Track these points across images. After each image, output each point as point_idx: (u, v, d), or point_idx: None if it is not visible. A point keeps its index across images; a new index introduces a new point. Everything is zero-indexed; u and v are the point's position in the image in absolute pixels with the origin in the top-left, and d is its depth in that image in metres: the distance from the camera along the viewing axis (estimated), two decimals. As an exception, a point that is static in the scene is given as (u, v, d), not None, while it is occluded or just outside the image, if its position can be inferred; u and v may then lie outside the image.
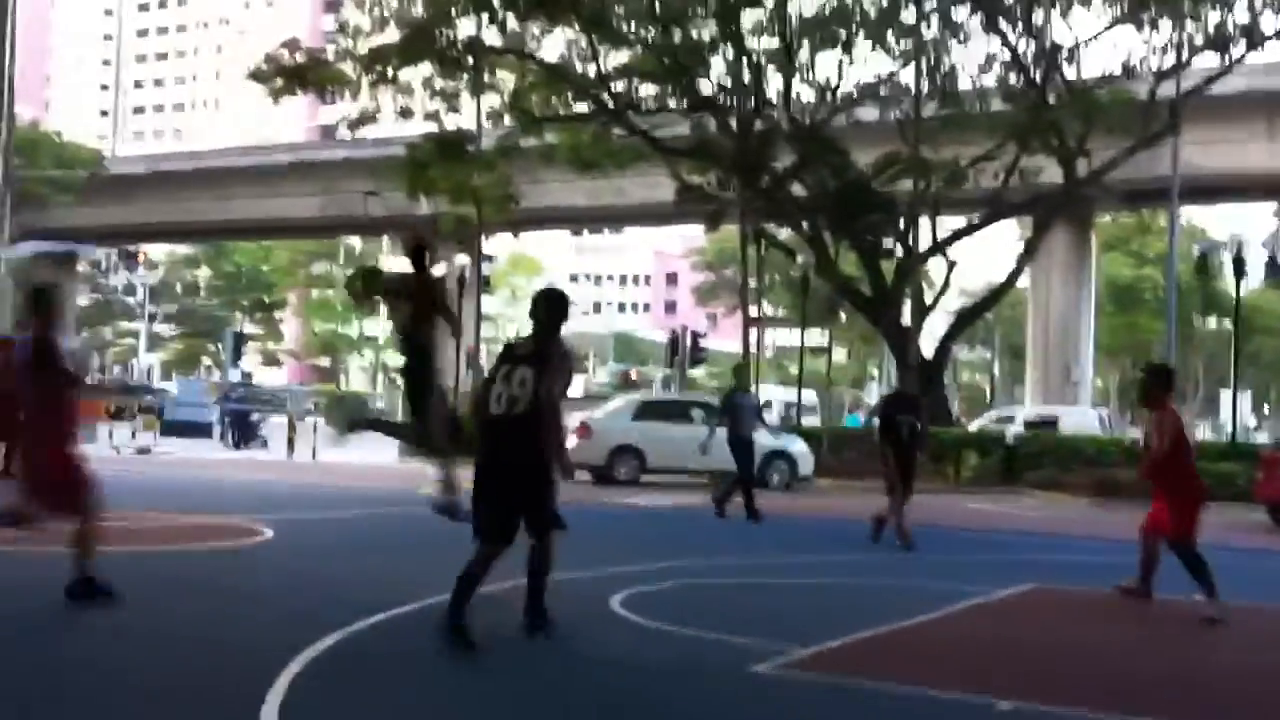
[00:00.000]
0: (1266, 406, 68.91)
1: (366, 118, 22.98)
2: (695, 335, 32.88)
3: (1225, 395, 59.88)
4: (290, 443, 29.60)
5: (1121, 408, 64.40)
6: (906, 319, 25.79)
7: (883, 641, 7.17)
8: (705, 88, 23.84)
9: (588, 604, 7.79)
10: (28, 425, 7.19)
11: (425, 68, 22.42)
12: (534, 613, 6.70)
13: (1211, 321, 62.59)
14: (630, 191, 30.22)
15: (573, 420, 22.84)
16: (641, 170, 26.23)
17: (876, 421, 12.63)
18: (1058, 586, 8.29)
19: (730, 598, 8.72)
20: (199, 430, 36.24)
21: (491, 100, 23.24)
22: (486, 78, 22.85)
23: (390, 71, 22.67)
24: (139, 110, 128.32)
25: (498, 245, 64.95)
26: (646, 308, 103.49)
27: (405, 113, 23.08)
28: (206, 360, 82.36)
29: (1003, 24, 22.42)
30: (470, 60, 22.53)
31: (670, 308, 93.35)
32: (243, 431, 34.46)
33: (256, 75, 23.05)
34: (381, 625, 7.14)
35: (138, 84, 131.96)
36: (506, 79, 23.14)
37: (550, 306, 6.79)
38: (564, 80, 22.88)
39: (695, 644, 6.94)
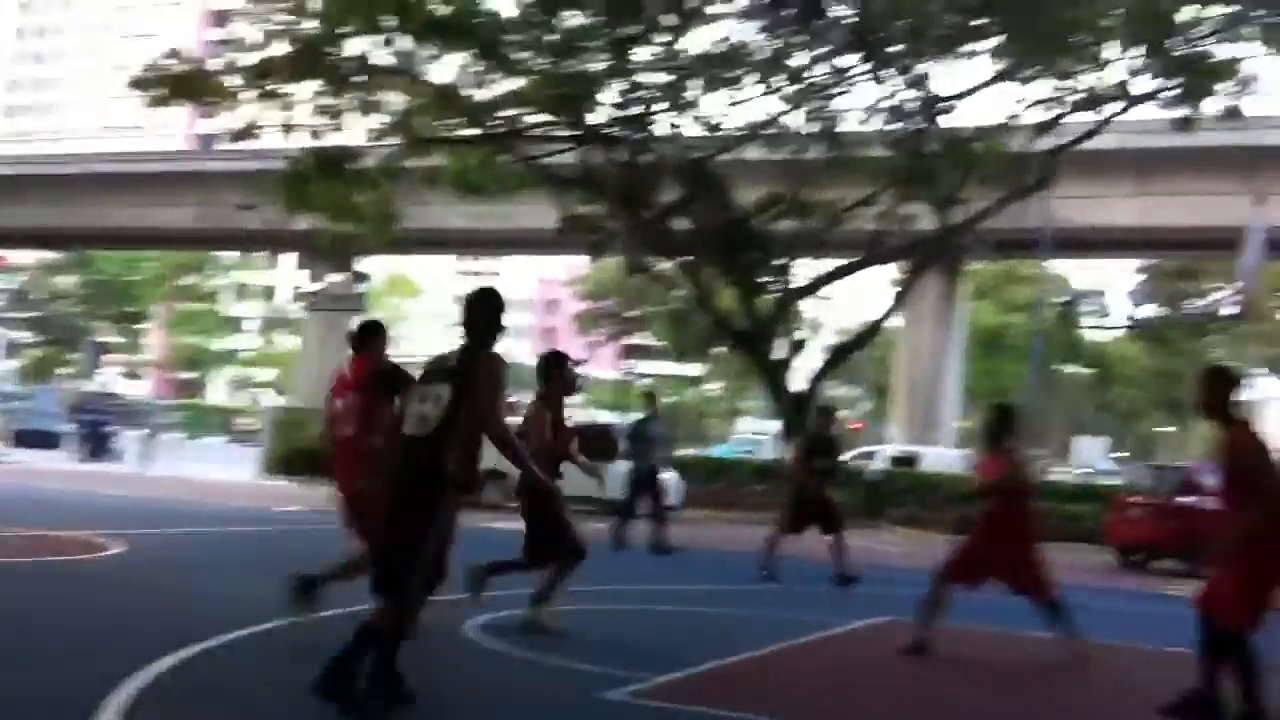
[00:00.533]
0: (1121, 451, 71.28)
1: (249, 131, 22.53)
2: (575, 362, 32.79)
3: (1082, 439, 62.01)
4: (144, 456, 28.93)
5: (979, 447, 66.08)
6: (780, 353, 26.17)
7: (732, 671, 7.28)
8: (594, 119, 23.92)
9: (444, 629, 7.74)
10: None
11: (311, 84, 22.08)
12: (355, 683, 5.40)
13: (1072, 368, 64.57)
14: (515, 217, 30.16)
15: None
16: (527, 197, 26.21)
17: (791, 456, 12.94)
18: (910, 620, 8.48)
19: (589, 625, 8.75)
20: (51, 441, 35.18)
21: (378, 120, 22.99)
22: (374, 97, 22.61)
23: (276, 86, 22.28)
24: (14, 111, 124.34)
25: (376, 266, 64.29)
26: (526, 333, 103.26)
27: (289, 128, 22.68)
28: (64, 369, 79.74)
29: (887, 73, 22.95)
30: (359, 79, 22.27)
31: (548, 334, 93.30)
32: (96, 444, 33.56)
33: (138, 83, 22.48)
34: (228, 645, 7.00)
35: (14, 85, 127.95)
36: (394, 99, 22.92)
37: (480, 309, 5.85)
38: (453, 104, 22.76)
39: (549, 671, 6.93)
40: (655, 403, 15.54)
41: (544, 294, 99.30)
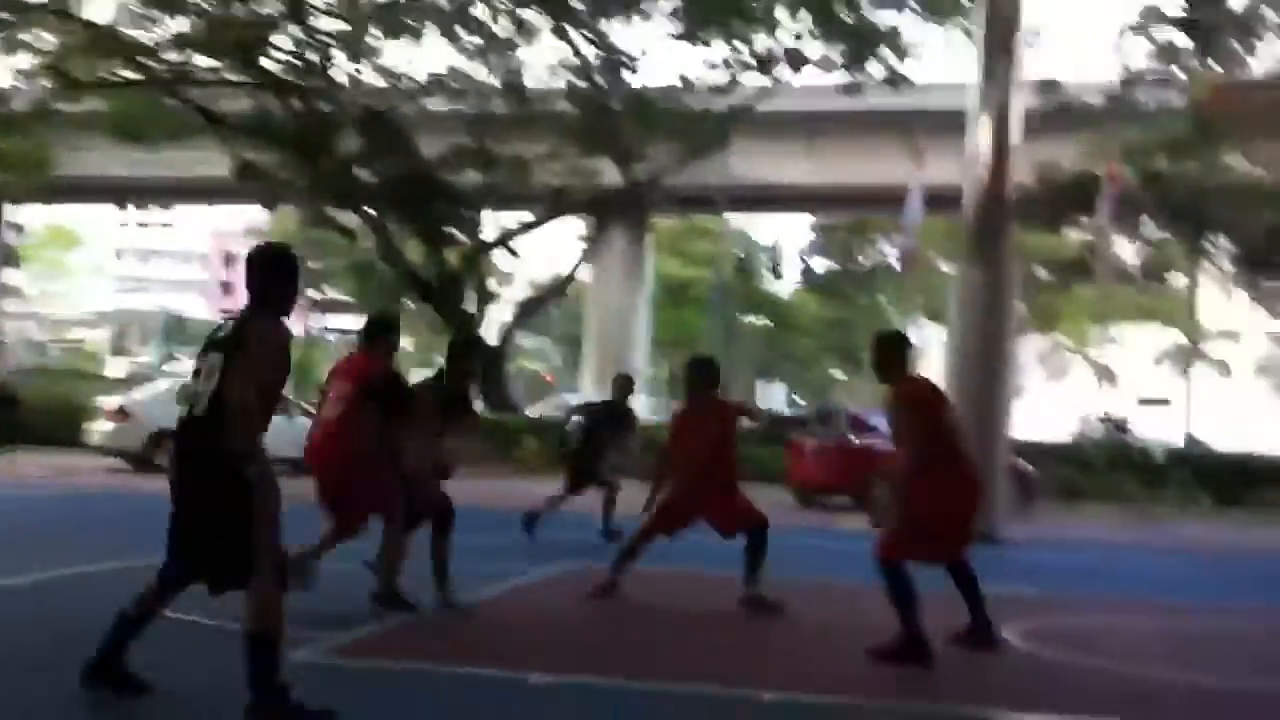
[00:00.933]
0: (799, 397, 74.95)
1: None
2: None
3: (763, 386, 64.87)
4: None
5: (672, 396, 68.14)
6: (470, 306, 26.04)
7: (425, 625, 7.19)
8: (268, 65, 22.90)
9: (118, 601, 7.32)
10: None
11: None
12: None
13: (752, 319, 67.20)
14: (185, 166, 28.57)
15: (110, 403, 21.42)
16: (196, 145, 24.86)
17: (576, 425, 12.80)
18: (599, 565, 8.62)
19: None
20: None
21: (26, 59, 21.22)
22: (23, 35, 20.82)
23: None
24: None
25: (32, 216, 59.66)
26: (200, 288, 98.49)
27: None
28: None
29: (570, 29, 23.02)
30: (4, 15, 20.47)
31: (227, 289, 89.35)
32: None
33: None
34: None
35: None
36: (45, 38, 21.19)
37: (259, 270, 5.12)
38: (112, 45, 21.25)
39: (231, 636, 6.69)
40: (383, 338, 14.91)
41: (219, 246, 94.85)
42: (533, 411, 31.07)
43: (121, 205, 56.52)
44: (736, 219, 51.74)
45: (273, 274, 5.15)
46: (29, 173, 22.73)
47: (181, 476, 5.02)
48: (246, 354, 4.88)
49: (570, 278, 28.75)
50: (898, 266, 38.97)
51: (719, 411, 8.65)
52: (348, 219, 28.71)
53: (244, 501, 4.81)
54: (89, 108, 22.73)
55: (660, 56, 23.77)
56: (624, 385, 13.38)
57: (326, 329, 58.08)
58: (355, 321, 56.23)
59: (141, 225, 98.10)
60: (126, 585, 5.34)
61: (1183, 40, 25.72)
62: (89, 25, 21.17)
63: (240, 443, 4.81)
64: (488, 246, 26.37)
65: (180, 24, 21.78)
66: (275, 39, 22.54)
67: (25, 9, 20.59)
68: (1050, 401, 52.66)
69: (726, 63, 23.31)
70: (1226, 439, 28.87)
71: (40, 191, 24.68)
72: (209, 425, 4.86)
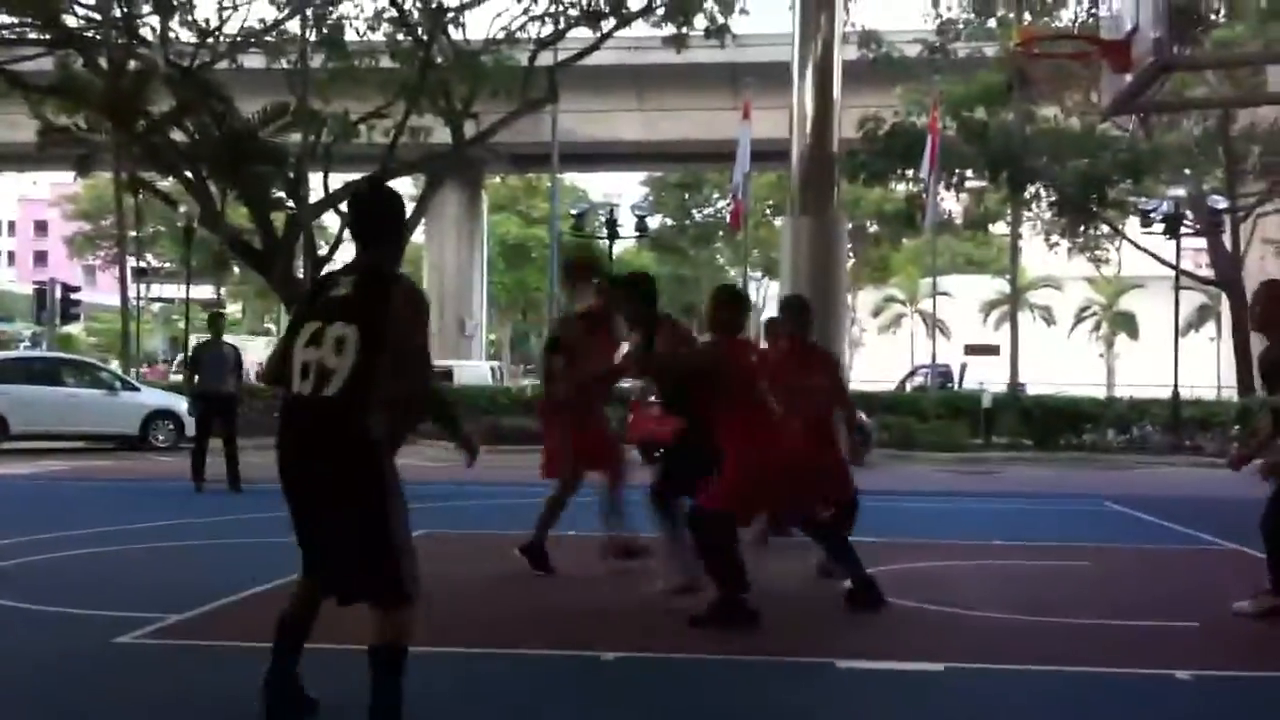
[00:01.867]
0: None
1: None
2: (67, 289, 30.32)
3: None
4: None
5: (514, 359, 67.72)
6: (300, 272, 25.27)
7: (256, 600, 6.92)
8: (71, 21, 21.74)
9: None
10: None
11: None
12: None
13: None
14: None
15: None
16: (1, 109, 23.60)
17: None
18: (450, 531, 8.38)
19: (93, 569, 8.11)
20: None
21: None
22: None
23: None
24: None
25: None
26: (11, 259, 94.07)
27: None
28: None
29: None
30: None
31: (40, 259, 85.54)
32: None
33: None
34: None
35: None
36: None
37: (375, 211, 4.34)
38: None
39: (54, 620, 6.43)
40: (221, 325, 14.22)
41: (28, 214, 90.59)
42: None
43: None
44: (570, 177, 51.45)
45: (390, 216, 4.33)
46: None
47: (306, 471, 4.13)
48: (402, 321, 4.09)
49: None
50: (728, 222, 39.30)
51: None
52: (166, 182, 27.61)
53: (381, 499, 4.08)
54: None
55: (484, 9, 23.34)
56: None
57: (148, 299, 55.90)
58: (178, 290, 54.35)
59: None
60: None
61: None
62: None
63: (383, 429, 4.07)
64: (314, 209, 25.58)
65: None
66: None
67: None
68: (884, 353, 54.03)
69: (551, 15, 22.98)
70: (1050, 385, 29.93)
71: None
72: (345, 408, 4.02)
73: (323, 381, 4.04)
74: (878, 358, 52.62)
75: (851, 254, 41.17)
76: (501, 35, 23.81)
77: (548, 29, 23.47)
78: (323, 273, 25.84)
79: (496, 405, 25.10)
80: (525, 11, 23.19)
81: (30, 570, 7.99)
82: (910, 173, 26.88)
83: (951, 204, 31.26)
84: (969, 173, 27.15)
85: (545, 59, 24.18)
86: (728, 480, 6.40)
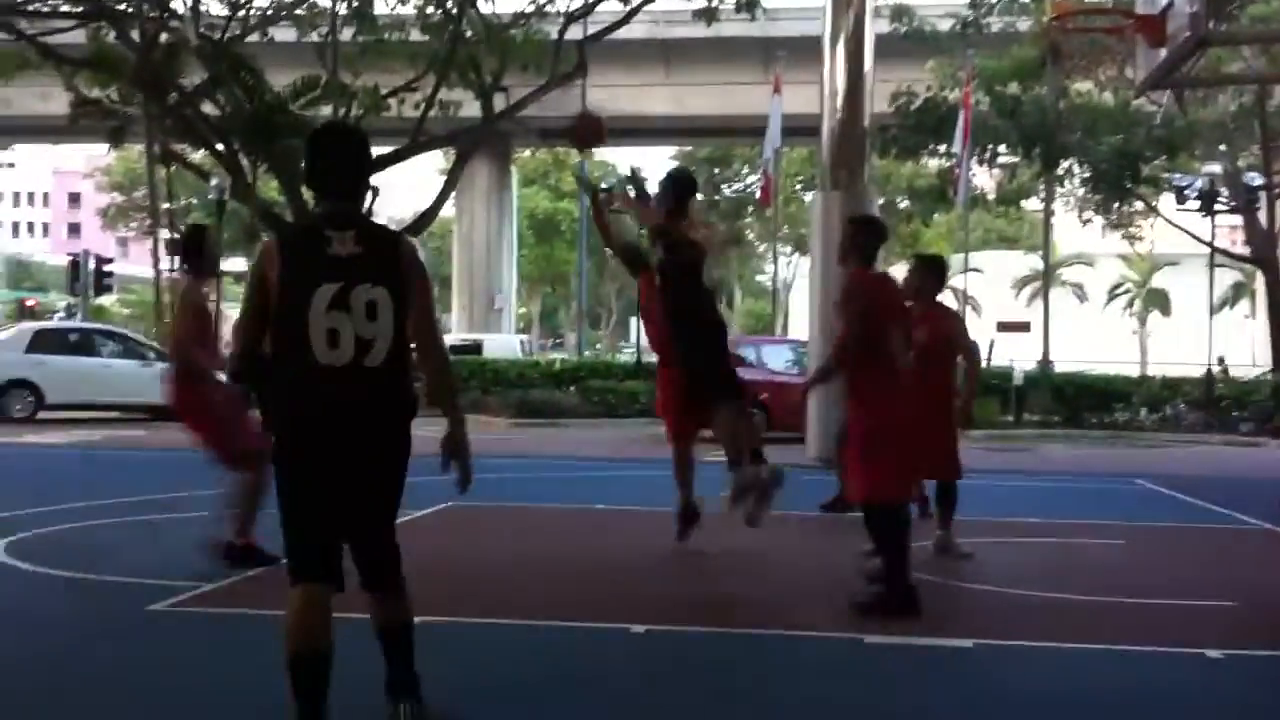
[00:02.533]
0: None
1: None
2: (100, 260, 30.55)
3: (634, 320, 64.95)
4: None
5: (542, 333, 67.86)
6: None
7: (283, 571, 6.96)
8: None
9: None
10: None
11: None
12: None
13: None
14: (18, 103, 27.26)
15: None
16: (31, 80, 23.68)
17: None
18: (474, 504, 8.40)
19: (129, 537, 8.21)
20: None
21: None
22: None
23: None
24: None
25: None
26: (45, 230, 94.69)
27: None
28: None
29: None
30: None
31: (74, 230, 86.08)
32: None
33: None
34: None
35: None
36: None
37: (360, 157, 4.02)
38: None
39: (88, 589, 6.52)
40: None
41: (61, 186, 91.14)
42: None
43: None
44: (599, 151, 51.42)
45: (368, 165, 4.05)
46: None
47: (349, 447, 3.82)
48: (413, 281, 3.88)
49: (432, 214, 28.14)
50: (757, 198, 39.17)
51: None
52: (199, 155, 27.69)
53: (404, 476, 3.98)
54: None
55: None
56: None
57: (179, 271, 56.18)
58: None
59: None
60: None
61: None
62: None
63: (414, 395, 3.91)
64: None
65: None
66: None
67: None
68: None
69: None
70: (1082, 362, 29.73)
71: None
72: (392, 378, 3.81)
73: (364, 351, 3.74)
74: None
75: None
76: (531, 9, 23.72)
77: (577, 3, 23.37)
78: (294, 224, 25.96)
79: (525, 379, 25.18)
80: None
81: (66, 538, 8.08)
82: (942, 148, 26.69)
83: (983, 179, 31.02)
84: (1001, 148, 26.92)
85: (575, 33, 24.11)
86: (884, 464, 6.03)
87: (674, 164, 57.76)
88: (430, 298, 4.08)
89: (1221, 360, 29.87)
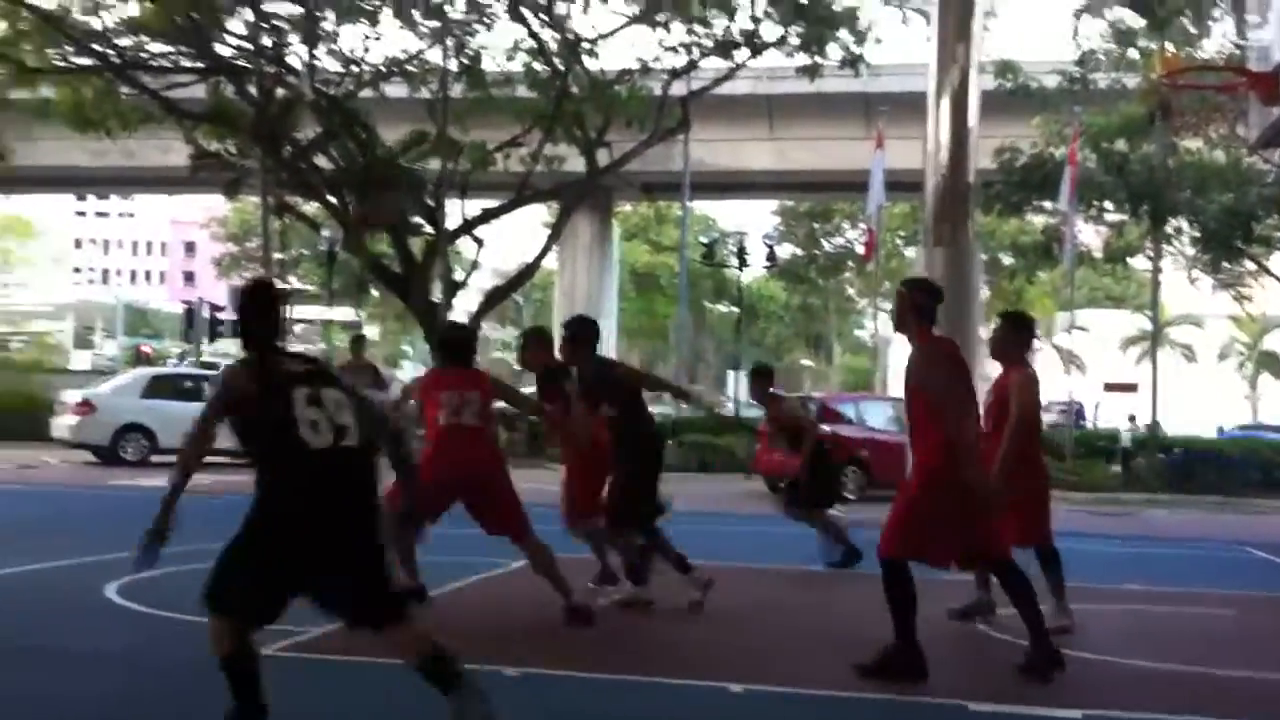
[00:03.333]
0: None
1: None
2: (214, 308, 31.43)
3: (733, 374, 64.91)
4: None
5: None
6: (437, 296, 25.80)
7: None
8: (223, 50, 22.58)
9: (82, 594, 7.32)
10: None
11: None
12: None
13: (721, 306, 67.14)
14: (140, 155, 28.24)
15: (74, 396, 21.26)
16: (153, 133, 24.54)
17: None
18: (570, 556, 8.44)
19: None
20: None
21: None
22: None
23: None
24: None
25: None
26: (162, 278, 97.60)
27: None
28: None
29: (526, 13, 22.83)
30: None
31: (189, 279, 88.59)
32: None
33: None
34: None
35: None
36: (-7, 23, 20.84)
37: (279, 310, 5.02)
38: (61, 31, 20.89)
39: (198, 631, 6.64)
40: (362, 346, 14.74)
41: (178, 236, 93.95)
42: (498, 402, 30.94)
43: (81, 195, 55.82)
44: (700, 205, 51.60)
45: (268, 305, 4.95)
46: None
47: (337, 520, 4.65)
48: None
49: (535, 266, 28.53)
50: (861, 251, 39.03)
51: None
52: (309, 206, 28.41)
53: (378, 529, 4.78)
54: (41, 96, 22.39)
55: (617, 40, 23.62)
56: None
57: (293, 320, 57.47)
58: (320, 312, 55.88)
59: (101, 215, 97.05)
60: (79, 579, 5.20)
61: (1136, 20, 25.81)
62: (36, 10, 20.79)
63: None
64: (452, 234, 26.12)
65: (132, 8, 21.42)
66: (229, 24, 22.22)
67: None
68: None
69: (685, 45, 23.18)
70: (1190, 424, 29.02)
71: (-3, 181, 24.33)
72: (364, 455, 4.77)
73: (340, 435, 4.65)
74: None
75: (986, 286, 40.51)
76: (636, 65, 24.05)
77: (681, 59, 23.65)
78: (453, 297, 26.52)
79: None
80: (660, 42, 23.40)
81: (177, 581, 8.26)
82: (1047, 204, 26.39)
83: (1090, 237, 30.56)
84: (1108, 205, 26.54)
85: (679, 89, 24.37)
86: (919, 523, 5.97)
87: (775, 219, 57.82)
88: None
89: None
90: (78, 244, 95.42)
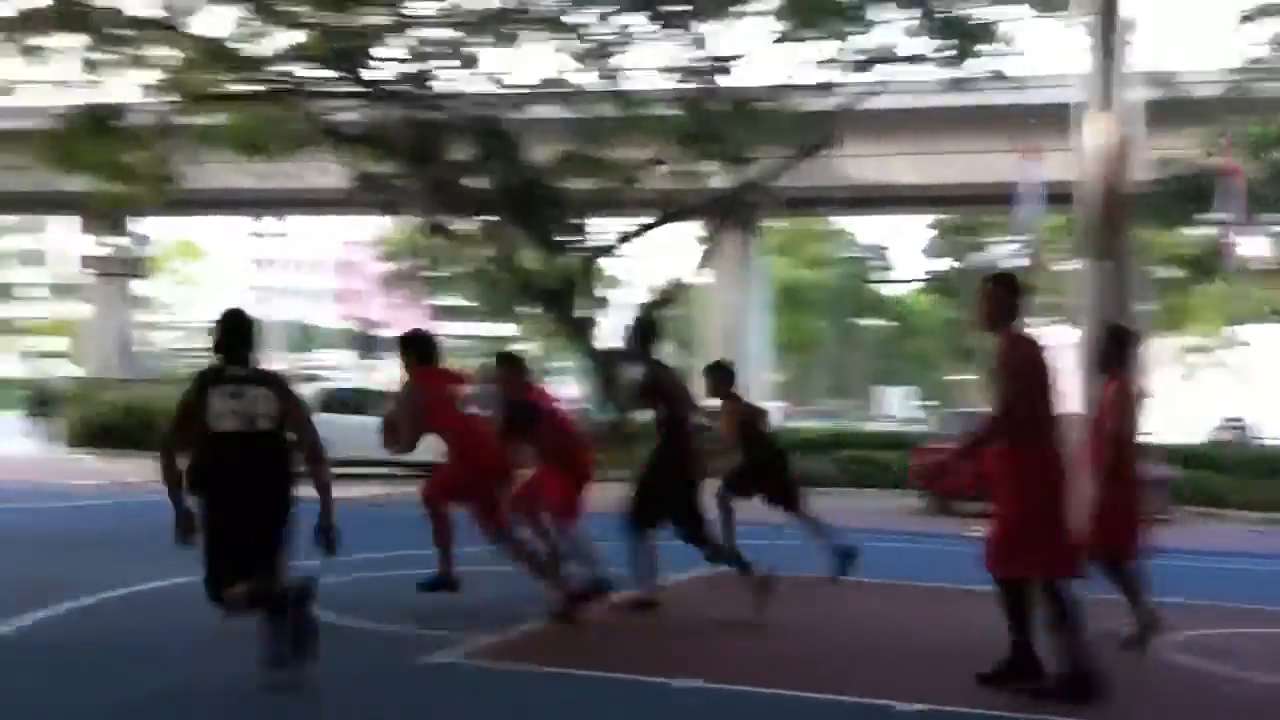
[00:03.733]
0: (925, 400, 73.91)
1: (6, 87, 21.26)
2: (378, 326, 32.37)
3: (887, 390, 64.09)
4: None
5: (791, 401, 67.69)
6: (585, 313, 26.17)
7: (556, 627, 7.18)
8: (377, 75, 23.32)
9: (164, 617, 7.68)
10: None
11: (75, 37, 20.92)
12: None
13: (870, 321, 66.44)
14: (303, 177, 29.24)
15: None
16: (314, 155, 25.41)
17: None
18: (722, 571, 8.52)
19: (403, 589, 8.62)
20: None
21: (148, 75, 21.92)
22: (142, 51, 21.53)
23: (38, 41, 21.07)
24: None
25: (161, 229, 61.56)
26: (326, 297, 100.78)
27: (53, 84, 21.49)
28: None
29: (671, 31, 23.04)
30: (124, 33, 21.16)
31: (352, 296, 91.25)
32: None
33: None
34: (29, 629, 6.77)
35: None
36: (163, 54, 21.87)
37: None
38: (226, 59, 21.84)
39: (371, 638, 6.87)
40: (512, 366, 14.92)
41: (344, 256, 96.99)
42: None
43: (254, 217, 58.04)
44: (846, 220, 51.19)
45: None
46: (152, 186, 23.43)
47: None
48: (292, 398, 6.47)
49: (684, 283, 28.68)
50: (1022, 265, 38.19)
51: None
52: (464, 226, 29.06)
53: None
54: (209, 122, 23.39)
55: (761, 56, 23.63)
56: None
57: (444, 335, 58.92)
58: (475, 328, 56.92)
59: (266, 235, 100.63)
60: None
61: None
62: (202, 40, 21.77)
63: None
64: (599, 252, 26.45)
65: (292, 36, 22.25)
66: (383, 49, 22.91)
67: (141, 25, 21.25)
68: (1181, 403, 51.11)
69: (830, 61, 23.09)
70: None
71: (165, 204, 25.46)
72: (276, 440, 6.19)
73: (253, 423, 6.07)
74: (1173, 407, 49.85)
75: (1146, 299, 39.30)
76: (781, 82, 24.03)
77: (827, 75, 23.56)
78: (601, 314, 26.83)
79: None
80: (805, 59, 23.35)
81: (344, 589, 8.53)
82: (1206, 216, 25.52)
83: (1255, 248, 29.39)
84: (1275, 216, 25.55)
85: (824, 103, 24.26)
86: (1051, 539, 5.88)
87: (931, 233, 57.05)
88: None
89: None
90: (247, 264, 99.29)
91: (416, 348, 8.42)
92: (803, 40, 22.74)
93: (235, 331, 6.41)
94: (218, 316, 6.58)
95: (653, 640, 7.27)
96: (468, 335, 65.76)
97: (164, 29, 21.46)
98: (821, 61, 23.21)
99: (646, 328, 8.72)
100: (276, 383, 6.35)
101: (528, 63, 23.89)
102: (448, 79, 23.56)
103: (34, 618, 7.21)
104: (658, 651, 6.84)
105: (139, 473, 18.12)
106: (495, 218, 25.48)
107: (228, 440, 5.92)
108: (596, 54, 23.35)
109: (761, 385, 43.28)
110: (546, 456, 8.63)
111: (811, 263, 59.08)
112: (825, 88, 23.73)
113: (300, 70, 23.21)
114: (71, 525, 13.60)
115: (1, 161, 30.42)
